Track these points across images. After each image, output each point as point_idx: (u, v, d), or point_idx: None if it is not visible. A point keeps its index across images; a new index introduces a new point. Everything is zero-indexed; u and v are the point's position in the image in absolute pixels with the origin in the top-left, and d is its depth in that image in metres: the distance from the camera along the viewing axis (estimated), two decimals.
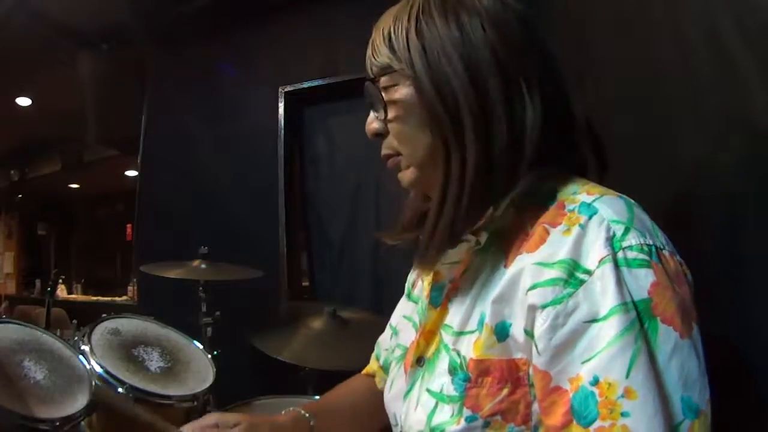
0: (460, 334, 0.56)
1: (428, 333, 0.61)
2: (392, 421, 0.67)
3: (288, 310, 1.99)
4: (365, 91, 0.61)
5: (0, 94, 3.78)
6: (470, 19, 0.53)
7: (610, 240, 0.47)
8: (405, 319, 0.74)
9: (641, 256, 0.46)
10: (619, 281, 0.45)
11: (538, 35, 0.57)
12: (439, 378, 0.56)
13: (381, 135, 0.62)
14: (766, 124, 0.55)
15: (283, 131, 2.32)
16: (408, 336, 0.69)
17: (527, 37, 0.55)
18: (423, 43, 0.54)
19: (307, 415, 0.75)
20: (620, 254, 0.46)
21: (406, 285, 0.83)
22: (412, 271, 0.83)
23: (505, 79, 0.53)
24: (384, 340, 0.87)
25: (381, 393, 0.82)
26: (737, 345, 0.60)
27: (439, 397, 0.55)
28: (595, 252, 0.46)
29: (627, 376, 0.43)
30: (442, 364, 0.57)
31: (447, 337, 0.58)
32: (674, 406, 0.43)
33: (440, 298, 0.61)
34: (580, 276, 0.46)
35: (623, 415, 0.42)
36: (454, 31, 0.53)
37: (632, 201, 0.51)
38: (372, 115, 0.62)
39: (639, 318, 0.44)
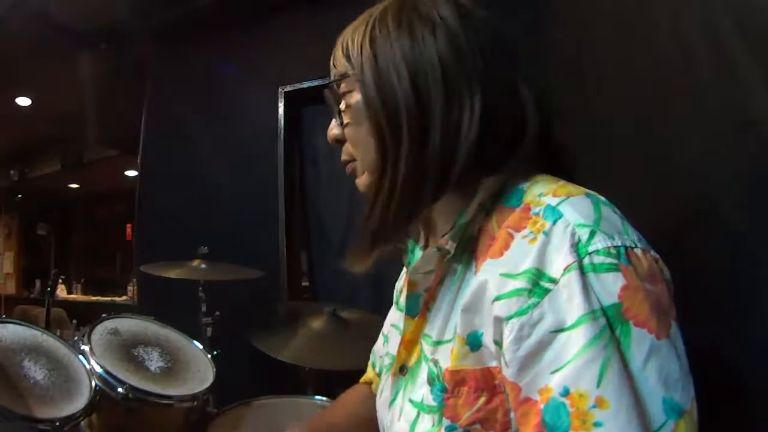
0: (438, 343, 0.56)
1: (408, 342, 0.61)
2: (381, 429, 0.67)
3: (288, 310, 1.99)
4: (325, 98, 0.63)
5: (0, 94, 3.77)
6: (423, 28, 0.54)
7: (576, 246, 0.45)
8: (393, 327, 0.74)
9: (608, 260, 0.45)
10: (586, 288, 0.44)
11: (501, 42, 0.57)
12: (420, 388, 0.56)
13: (340, 141, 0.64)
14: (766, 124, 0.55)
15: (283, 131, 2.32)
16: (395, 344, 0.69)
17: (482, 47, 0.55)
18: (374, 50, 0.56)
19: None
20: (586, 260, 0.45)
21: (395, 293, 0.82)
22: (399, 279, 0.83)
23: (448, 89, 0.53)
24: (378, 347, 0.87)
25: (372, 398, 0.83)
26: (738, 345, 0.60)
27: (420, 407, 0.55)
28: (560, 260, 0.45)
29: (598, 385, 0.42)
30: (423, 374, 0.57)
31: (426, 346, 0.58)
32: (654, 410, 0.42)
33: (417, 308, 0.60)
34: (544, 285, 0.45)
35: (596, 425, 0.41)
36: (404, 39, 0.54)
37: (600, 198, 0.50)
38: (333, 121, 0.64)
39: (609, 324, 0.43)
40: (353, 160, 0.63)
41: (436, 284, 0.59)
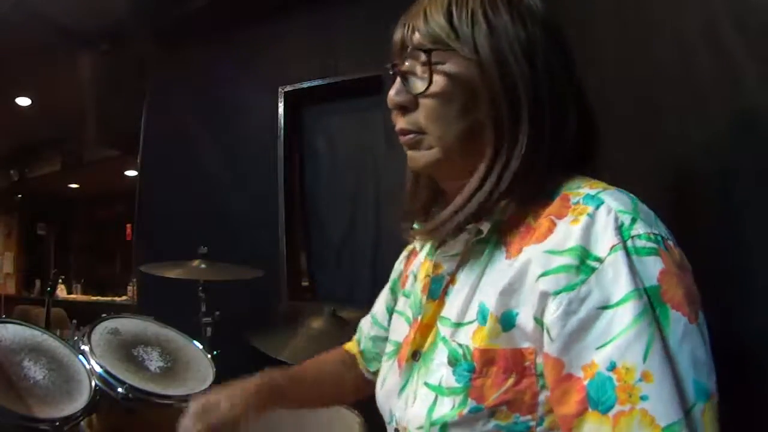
0: (459, 325, 0.56)
1: (424, 327, 0.61)
2: (386, 418, 0.66)
3: (288, 310, 1.99)
4: (405, 55, 0.58)
5: (0, 94, 3.77)
6: (532, 23, 0.56)
7: (619, 228, 0.47)
8: (397, 313, 0.74)
9: (649, 244, 0.47)
10: (632, 268, 0.46)
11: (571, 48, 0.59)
12: (437, 371, 0.56)
13: (403, 108, 0.59)
14: (766, 124, 0.55)
15: (283, 131, 2.32)
16: (400, 331, 0.69)
17: (569, 50, 0.58)
18: (490, 31, 0.54)
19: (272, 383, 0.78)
20: (630, 242, 0.47)
21: (392, 276, 0.83)
22: (399, 262, 0.83)
23: (554, 78, 0.55)
24: (366, 325, 0.89)
25: (353, 366, 0.87)
26: (740, 341, 0.60)
27: (439, 390, 0.55)
28: (605, 240, 0.47)
29: (644, 360, 0.43)
30: (440, 356, 0.57)
31: (444, 329, 0.58)
32: (687, 389, 0.43)
33: (439, 291, 0.61)
34: (591, 263, 0.47)
35: (642, 398, 0.43)
36: (519, 28, 0.55)
37: (633, 195, 0.52)
38: (399, 85, 0.59)
39: (651, 304, 0.45)
40: (418, 132, 0.59)
41: (458, 267, 0.60)
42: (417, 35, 0.57)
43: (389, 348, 0.71)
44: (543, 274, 0.49)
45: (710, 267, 0.65)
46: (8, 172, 5.97)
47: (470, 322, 0.55)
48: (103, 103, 3.51)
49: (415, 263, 0.74)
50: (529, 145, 0.53)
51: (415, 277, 0.72)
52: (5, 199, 6.51)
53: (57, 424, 0.84)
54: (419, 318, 0.62)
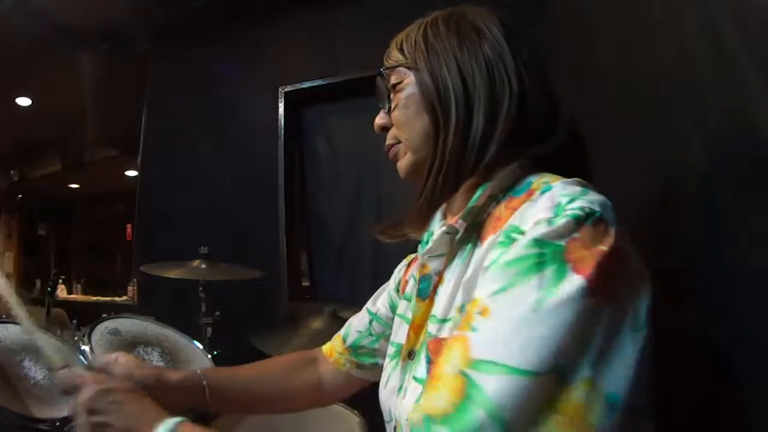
0: (443, 321, 0.59)
1: (417, 326, 0.65)
2: (385, 417, 0.69)
3: (288, 310, 1.99)
4: (376, 88, 0.69)
5: (0, 94, 3.78)
6: (470, 32, 0.63)
7: (554, 207, 0.48)
8: (398, 317, 0.77)
9: (577, 212, 0.46)
10: (544, 232, 0.46)
11: (535, 54, 0.64)
12: (422, 365, 0.59)
13: (386, 129, 0.70)
14: (766, 124, 0.55)
15: (283, 131, 2.32)
16: (401, 333, 0.72)
17: (520, 55, 0.62)
18: (427, 45, 0.64)
19: (201, 374, 0.78)
20: (557, 216, 0.47)
21: (393, 280, 0.87)
22: (398, 270, 0.87)
23: (491, 82, 0.61)
24: (359, 322, 0.91)
25: (302, 369, 0.88)
26: (725, 344, 0.60)
27: (422, 383, 0.58)
28: (535, 216, 0.48)
29: (491, 296, 0.46)
30: (425, 351, 0.60)
31: (431, 326, 0.61)
32: (534, 353, 0.41)
33: (428, 291, 0.64)
34: (514, 236, 0.49)
35: (472, 329, 0.45)
36: (453, 39, 0.63)
37: (589, 187, 0.52)
38: (381, 113, 0.70)
39: (543, 259, 0.44)
40: (398, 143, 0.68)
41: (445, 267, 0.63)
42: (384, 68, 0.69)
43: (391, 350, 0.74)
44: (486, 258, 0.52)
45: (705, 267, 0.65)
46: (8, 172, 5.97)
47: (452, 318, 0.58)
48: (103, 103, 3.51)
49: (415, 268, 0.77)
50: (459, 131, 0.60)
51: (415, 280, 0.74)
52: (5, 199, 6.50)
53: (57, 424, 0.84)
54: (413, 318, 0.65)
